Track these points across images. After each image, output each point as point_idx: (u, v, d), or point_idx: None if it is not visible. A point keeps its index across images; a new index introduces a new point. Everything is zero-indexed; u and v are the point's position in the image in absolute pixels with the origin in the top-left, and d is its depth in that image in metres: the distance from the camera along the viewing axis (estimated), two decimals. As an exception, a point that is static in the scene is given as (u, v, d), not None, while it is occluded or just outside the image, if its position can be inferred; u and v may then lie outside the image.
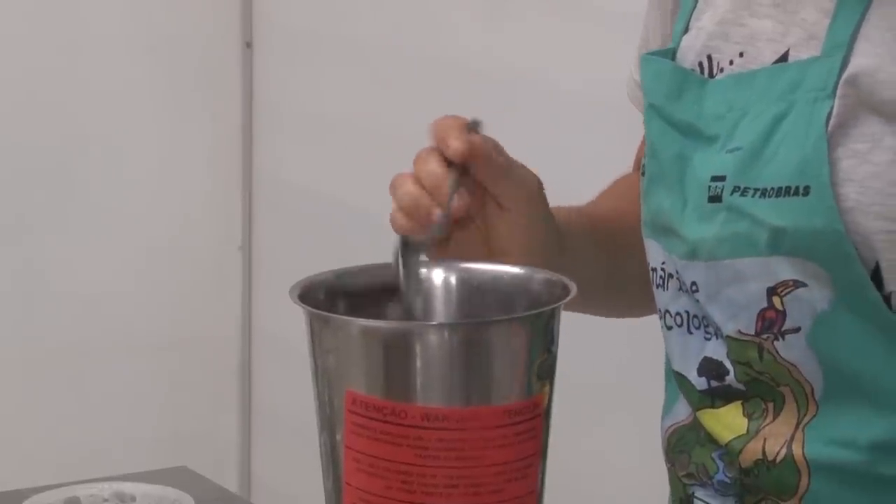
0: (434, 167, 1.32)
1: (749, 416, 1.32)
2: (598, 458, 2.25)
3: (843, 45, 1.25)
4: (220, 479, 1.88)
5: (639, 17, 1.52)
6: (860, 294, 1.26)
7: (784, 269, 1.28)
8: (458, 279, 1.36)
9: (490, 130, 1.33)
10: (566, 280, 1.29)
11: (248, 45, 2.87)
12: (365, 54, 2.62)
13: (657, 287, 1.41)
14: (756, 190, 1.28)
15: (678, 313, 1.38)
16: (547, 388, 1.28)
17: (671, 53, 1.39)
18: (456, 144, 1.31)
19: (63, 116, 2.73)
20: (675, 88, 1.37)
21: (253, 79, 2.88)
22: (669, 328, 1.39)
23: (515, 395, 1.26)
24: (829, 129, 1.24)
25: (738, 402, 1.33)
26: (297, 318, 1.29)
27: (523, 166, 1.39)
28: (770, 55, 1.31)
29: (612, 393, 2.06)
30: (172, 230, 2.82)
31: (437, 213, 1.31)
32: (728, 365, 1.33)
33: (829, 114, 1.24)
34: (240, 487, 2.75)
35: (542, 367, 1.27)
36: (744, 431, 1.32)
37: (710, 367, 1.35)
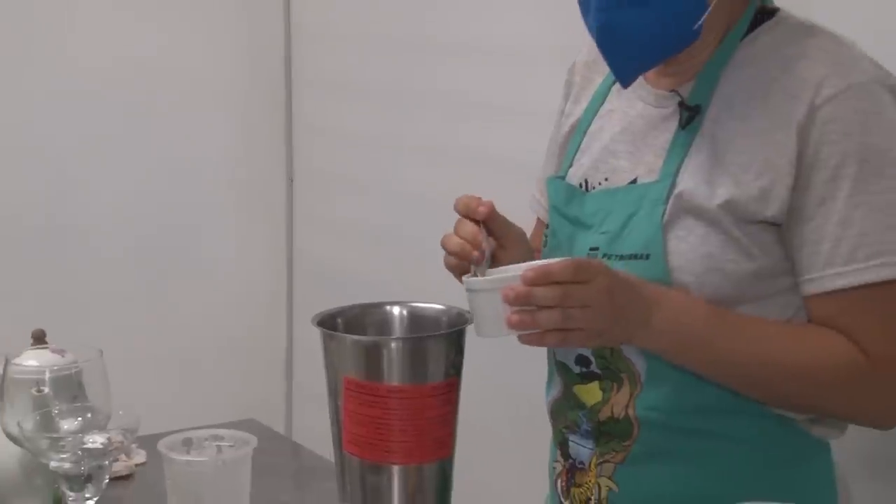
0: (470, 226, 1.25)
1: (603, 390, 1.26)
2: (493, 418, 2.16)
3: (670, 174, 1.21)
4: (273, 426, 1.86)
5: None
6: None
7: None
8: (407, 312, 1.35)
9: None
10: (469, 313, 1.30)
11: (291, 180, 2.79)
12: (375, 188, 2.49)
13: None
14: (618, 256, 1.23)
15: None
16: (458, 375, 1.28)
17: (564, 176, 1.34)
18: (482, 209, 1.25)
19: (180, 223, 2.69)
20: (567, 196, 1.31)
21: (293, 203, 2.78)
22: None
23: (440, 378, 1.26)
24: (664, 222, 1.20)
25: (597, 381, 1.27)
26: (316, 335, 1.29)
27: (513, 224, 1.32)
28: (625, 180, 1.27)
29: (501, 380, 1.94)
30: (243, 285, 2.78)
31: (475, 254, 1.22)
32: (592, 358, 1.27)
33: (664, 213, 1.20)
34: (285, 431, 2.72)
35: (456, 363, 1.28)
36: (600, 400, 1.26)
37: (582, 359, 1.28)
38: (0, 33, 2.43)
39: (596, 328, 1.13)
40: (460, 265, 1.25)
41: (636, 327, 1.16)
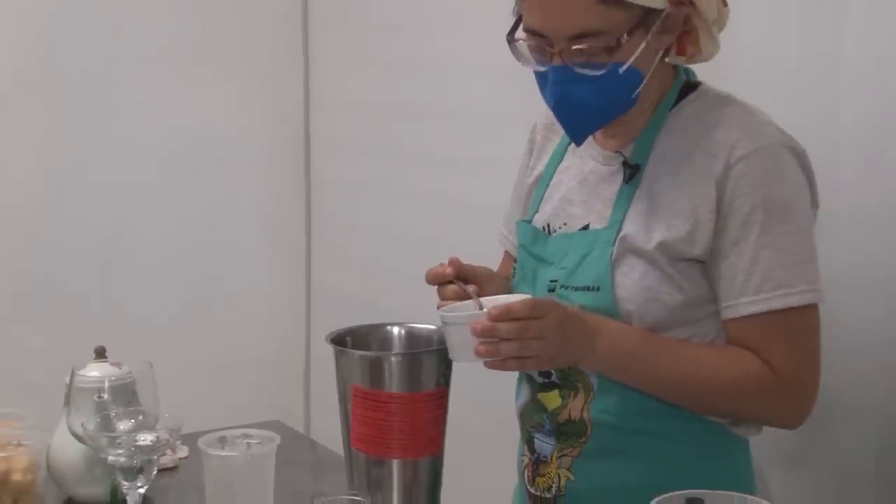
0: (449, 289, 1.23)
1: (562, 397, 1.26)
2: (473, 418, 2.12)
3: (617, 221, 1.22)
4: (294, 426, 1.84)
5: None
6: None
7: None
8: (406, 331, 1.35)
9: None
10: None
11: (309, 221, 2.73)
12: (378, 229, 2.47)
13: None
14: (574, 287, 1.23)
15: None
16: (447, 384, 1.28)
17: (530, 221, 1.33)
18: (450, 270, 1.24)
19: (217, 257, 2.66)
20: (533, 238, 1.31)
21: (311, 240, 2.74)
22: None
23: (432, 387, 1.25)
24: (612, 260, 1.21)
25: (557, 389, 1.27)
26: (330, 351, 1.29)
27: (478, 266, 1.29)
28: (579, 225, 1.27)
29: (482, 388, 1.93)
30: (269, 309, 2.75)
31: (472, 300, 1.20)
32: (552, 370, 1.26)
33: (612, 254, 1.21)
34: (304, 430, 2.70)
35: (445, 374, 1.27)
36: (559, 405, 1.26)
37: (544, 371, 1.27)
38: (74, 103, 2.46)
39: (549, 355, 1.14)
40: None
41: (583, 353, 1.17)
